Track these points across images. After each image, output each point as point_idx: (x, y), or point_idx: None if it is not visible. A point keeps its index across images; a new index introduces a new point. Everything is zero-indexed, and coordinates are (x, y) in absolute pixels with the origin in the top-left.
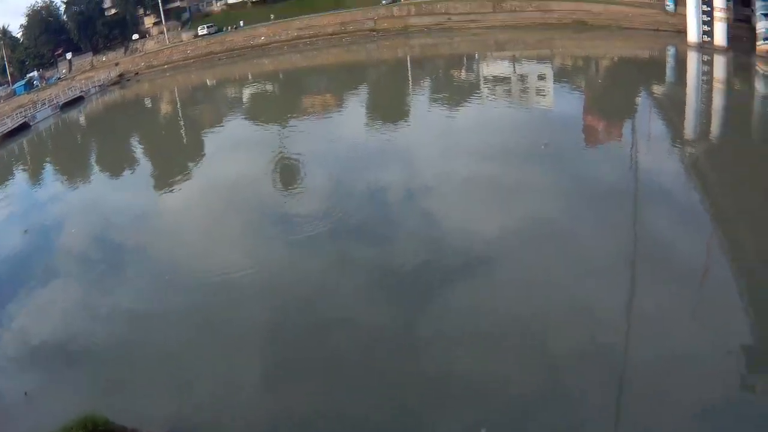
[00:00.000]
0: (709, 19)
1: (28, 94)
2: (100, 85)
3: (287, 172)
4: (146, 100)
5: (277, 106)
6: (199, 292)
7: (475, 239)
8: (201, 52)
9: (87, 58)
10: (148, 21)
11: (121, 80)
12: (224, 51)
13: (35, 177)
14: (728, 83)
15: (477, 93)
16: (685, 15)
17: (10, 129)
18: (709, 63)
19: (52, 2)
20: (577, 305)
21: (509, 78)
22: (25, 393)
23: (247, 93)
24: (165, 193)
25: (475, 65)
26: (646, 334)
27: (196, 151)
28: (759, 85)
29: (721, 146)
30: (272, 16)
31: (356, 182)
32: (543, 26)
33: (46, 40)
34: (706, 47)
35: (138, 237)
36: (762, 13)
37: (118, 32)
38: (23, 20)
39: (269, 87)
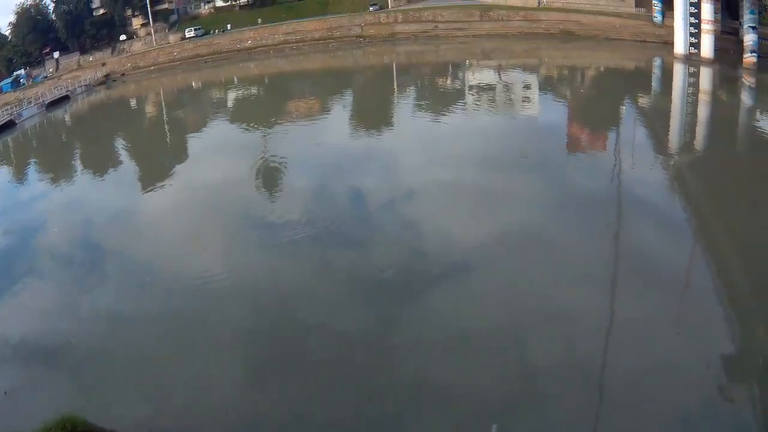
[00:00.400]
0: (696, 31)
1: (14, 92)
2: (86, 85)
3: (270, 175)
4: (131, 101)
5: (262, 110)
6: (180, 294)
7: (455, 246)
8: (187, 54)
9: (74, 58)
10: (136, 22)
11: (107, 80)
12: (211, 54)
13: (18, 175)
14: (714, 95)
15: (462, 101)
16: (672, 27)
17: None
18: (696, 75)
19: (41, 1)
20: (557, 314)
21: (495, 87)
22: (5, 392)
23: (232, 96)
24: (148, 194)
25: (460, 73)
26: (626, 343)
27: (180, 154)
28: (745, 97)
29: (706, 157)
30: (260, 20)
31: (338, 187)
32: (530, 36)
33: (34, 39)
34: (692, 59)
35: (120, 238)
36: (750, 26)
37: (105, 32)
38: (12, 18)
39: (255, 91)
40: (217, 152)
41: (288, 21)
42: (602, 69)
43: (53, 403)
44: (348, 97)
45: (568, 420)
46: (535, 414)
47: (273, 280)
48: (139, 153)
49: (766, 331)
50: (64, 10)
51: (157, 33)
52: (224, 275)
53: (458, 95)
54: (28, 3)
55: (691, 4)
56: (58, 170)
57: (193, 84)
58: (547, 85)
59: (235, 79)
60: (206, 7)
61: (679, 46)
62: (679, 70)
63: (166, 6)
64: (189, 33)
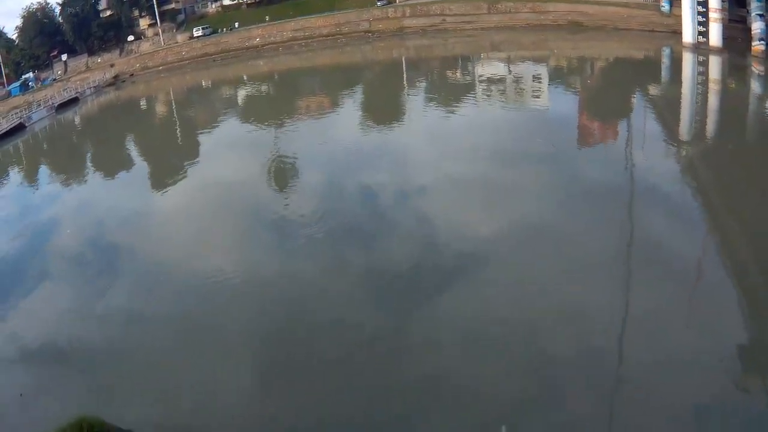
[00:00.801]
0: (704, 20)
1: (23, 95)
2: (95, 86)
3: (282, 173)
4: (141, 101)
5: (272, 107)
6: (193, 294)
7: (469, 240)
8: (196, 53)
9: (82, 60)
10: (143, 23)
11: (116, 81)
12: (219, 52)
13: (30, 178)
14: (723, 84)
15: (472, 94)
16: (680, 16)
17: (5, 130)
18: (704, 63)
19: (47, 4)
20: (571, 306)
21: (504, 79)
22: (21, 394)
23: (242, 94)
24: (159, 194)
25: (470, 66)
26: (640, 335)
27: (191, 153)
28: (754, 86)
29: (716, 146)
30: (267, 18)
31: (351, 184)
32: (538, 27)
33: (42, 42)
34: (701, 48)
35: (132, 238)
36: (757, 14)
37: (113, 34)
38: (18, 22)
39: (264, 88)
40: (228, 150)
41: (296, 18)
42: (611, 59)
43: (69, 404)
44: (358, 93)
45: (580, 415)
46: (547, 409)
47: (285, 279)
48: (150, 153)
49: None
50: (70, 12)
51: (165, 33)
52: (235, 274)
53: (468, 88)
54: (35, 6)
55: None
56: (69, 172)
57: (203, 83)
58: (556, 77)
59: (245, 77)
60: (213, 6)
61: (688, 35)
62: (687, 59)
63: (173, 6)
64: (197, 32)
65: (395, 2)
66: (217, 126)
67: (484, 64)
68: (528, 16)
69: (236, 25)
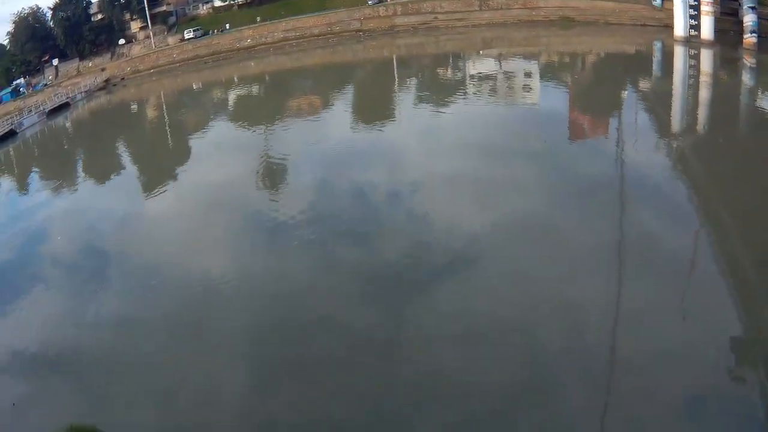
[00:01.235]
0: (696, 13)
1: (14, 101)
2: (86, 91)
3: (273, 174)
4: (132, 104)
5: (264, 108)
6: (185, 296)
7: (461, 236)
8: (187, 55)
9: (73, 64)
10: (135, 26)
11: (107, 85)
12: (210, 54)
13: (21, 184)
14: (715, 76)
15: (463, 91)
16: (672, 10)
17: None
18: (696, 57)
19: (38, 9)
20: (564, 300)
21: (495, 75)
22: (13, 404)
23: (233, 96)
24: (151, 198)
25: (461, 63)
26: (633, 327)
27: (183, 156)
28: (746, 78)
29: (708, 139)
30: (258, 19)
31: (342, 183)
32: (530, 23)
33: (33, 47)
34: (693, 41)
35: (124, 243)
36: (749, 6)
37: (104, 37)
38: (10, 27)
39: (255, 89)
40: (219, 152)
41: (287, 18)
42: (602, 54)
43: (62, 412)
44: (350, 92)
45: (576, 407)
46: (541, 401)
47: (279, 279)
48: (142, 157)
49: None
50: (62, 16)
51: (156, 36)
52: (229, 276)
53: (459, 85)
54: (26, 11)
55: None
56: (60, 178)
57: (194, 85)
58: (547, 73)
59: (236, 78)
60: (204, 8)
61: (679, 29)
62: (679, 53)
63: (164, 8)
64: (188, 34)
65: (386, 0)
66: (209, 128)
67: (475, 61)
68: (519, 13)
69: (227, 26)
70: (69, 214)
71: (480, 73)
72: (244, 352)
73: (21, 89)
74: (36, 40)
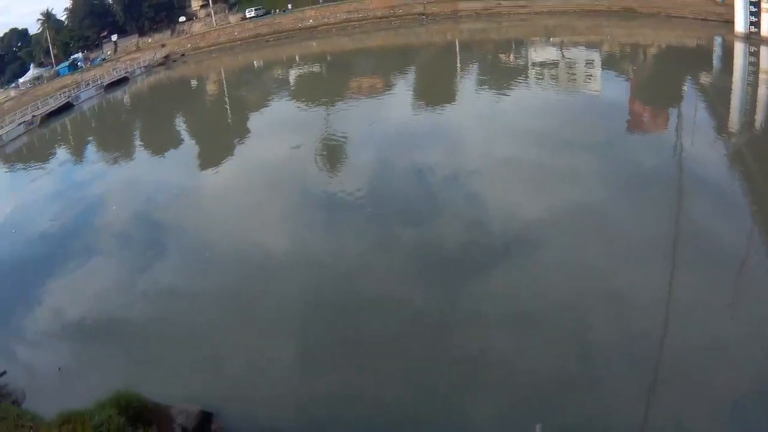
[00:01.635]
0: (756, 9)
1: (72, 75)
2: (145, 66)
3: (333, 152)
4: (192, 80)
5: (325, 87)
6: (238, 270)
7: (516, 221)
8: (248, 34)
9: (132, 40)
10: (195, 3)
11: (167, 61)
12: (272, 33)
13: (77, 155)
14: None
15: (524, 78)
16: (732, 5)
17: (53, 108)
18: (756, 54)
19: None
20: (616, 291)
21: (557, 63)
22: (59, 368)
23: (294, 75)
24: (208, 172)
25: (523, 50)
26: (684, 321)
27: (242, 132)
28: None
29: (765, 137)
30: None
31: (401, 163)
32: (592, 13)
33: (91, 23)
34: (753, 38)
35: (179, 215)
36: None
37: (164, 14)
38: (68, 3)
39: (317, 69)
40: (279, 130)
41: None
42: (663, 47)
43: (109, 379)
44: (412, 74)
45: (622, 397)
46: (589, 390)
47: (334, 256)
48: (200, 132)
49: None
50: None
51: (217, 14)
52: (283, 251)
53: (521, 71)
54: None
55: None
56: (115, 149)
57: (255, 63)
58: (609, 62)
59: (297, 58)
60: None
61: (740, 25)
62: (739, 49)
63: None
64: (249, 13)
65: None
66: (269, 106)
67: (537, 48)
68: (582, 1)
69: (289, 6)
70: (124, 184)
71: (542, 60)
72: (295, 327)
73: (79, 63)
74: (94, 16)
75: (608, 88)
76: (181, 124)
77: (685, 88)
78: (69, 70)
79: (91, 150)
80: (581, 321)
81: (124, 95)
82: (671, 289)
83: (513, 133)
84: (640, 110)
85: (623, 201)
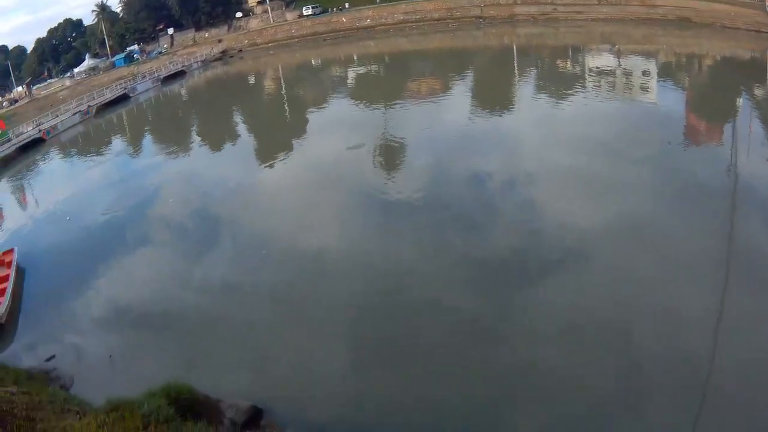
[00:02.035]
0: None
1: (127, 66)
2: (202, 61)
3: (389, 153)
4: (249, 76)
5: (382, 87)
6: (294, 267)
7: (569, 230)
8: (306, 32)
9: (189, 34)
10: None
11: (223, 56)
12: (329, 32)
13: (133, 146)
14: None
15: (581, 85)
16: None
17: (109, 99)
18: None
19: None
20: (666, 305)
21: (614, 71)
22: (110, 356)
23: (352, 74)
24: (264, 169)
25: (580, 57)
26: (734, 339)
27: (299, 130)
28: None
29: None
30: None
31: (456, 167)
32: (647, 21)
33: (147, 16)
34: None
35: (236, 210)
36: None
37: (221, 10)
38: None
39: (375, 69)
40: (336, 129)
41: (407, 0)
42: (718, 58)
43: (159, 369)
44: (468, 78)
45: (668, 413)
46: (635, 405)
47: (386, 259)
48: (257, 128)
49: None
50: None
51: (274, 11)
52: (336, 251)
53: (578, 78)
54: None
55: None
56: (172, 142)
57: (312, 61)
58: (665, 72)
59: (355, 57)
60: None
61: None
62: None
63: None
64: (306, 11)
65: None
66: (326, 104)
67: (593, 55)
68: (637, 10)
69: (347, 5)
70: (181, 177)
71: (598, 67)
72: (345, 327)
73: (135, 56)
74: (150, 9)
75: (664, 99)
76: (238, 120)
77: (740, 100)
78: (125, 62)
79: (147, 142)
80: (630, 334)
81: (180, 88)
82: (722, 306)
83: (569, 141)
84: (696, 122)
85: (676, 213)
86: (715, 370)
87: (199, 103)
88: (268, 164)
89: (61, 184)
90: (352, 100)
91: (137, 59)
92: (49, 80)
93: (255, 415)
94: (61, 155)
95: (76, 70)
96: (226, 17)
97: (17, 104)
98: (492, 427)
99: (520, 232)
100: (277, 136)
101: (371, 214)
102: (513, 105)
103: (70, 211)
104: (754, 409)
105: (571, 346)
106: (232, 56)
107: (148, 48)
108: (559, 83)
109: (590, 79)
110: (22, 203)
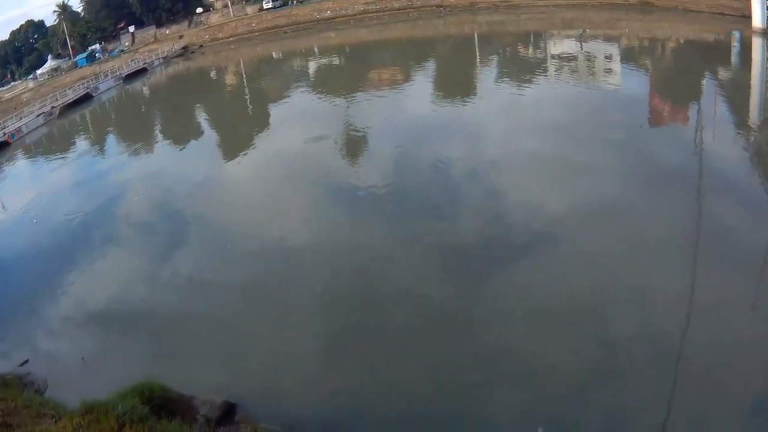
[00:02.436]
0: None
1: (90, 66)
2: (164, 57)
3: (352, 144)
4: (211, 71)
5: (344, 79)
6: (261, 262)
7: (536, 215)
8: (266, 25)
9: (150, 31)
10: None
11: (185, 52)
12: (290, 24)
13: (97, 145)
14: None
15: (543, 71)
16: (750, 0)
17: (72, 99)
18: None
19: None
20: (634, 289)
21: (576, 57)
22: (82, 358)
23: (313, 66)
24: (228, 163)
25: (541, 43)
26: (703, 319)
27: (261, 123)
28: None
29: None
30: None
31: (420, 156)
32: (609, 6)
33: (108, 14)
34: None
35: (200, 206)
36: None
37: (181, 6)
38: None
39: (336, 60)
40: (298, 121)
41: None
42: (682, 41)
43: (131, 369)
44: (430, 66)
45: (642, 395)
46: (608, 387)
47: (352, 248)
48: (220, 123)
49: None
50: None
51: (235, 5)
52: (302, 242)
53: (540, 64)
54: None
55: None
56: (135, 140)
57: (273, 54)
58: (628, 56)
59: (316, 49)
60: None
61: (757, 20)
62: (757, 44)
63: None
64: (267, 4)
65: None
66: (288, 97)
67: (555, 41)
68: None
69: None
70: (146, 176)
71: (561, 53)
72: (315, 319)
73: (97, 55)
74: (111, 8)
75: (628, 83)
76: (200, 115)
77: (704, 83)
78: (87, 62)
79: (110, 141)
80: (601, 316)
81: (143, 86)
82: (692, 287)
83: (533, 126)
84: (661, 105)
85: (643, 196)
86: (688, 349)
87: (162, 100)
88: (231, 159)
89: (27, 186)
90: (314, 92)
91: (99, 58)
92: (12, 83)
93: (228, 410)
94: (26, 158)
95: (38, 71)
96: (187, 13)
97: None
98: (466, 413)
99: (488, 218)
100: (239, 131)
101: (336, 206)
102: (475, 92)
103: (37, 213)
104: (726, 387)
105: (544, 330)
106: (193, 52)
107: (110, 47)
108: (521, 70)
109: (553, 65)
110: None
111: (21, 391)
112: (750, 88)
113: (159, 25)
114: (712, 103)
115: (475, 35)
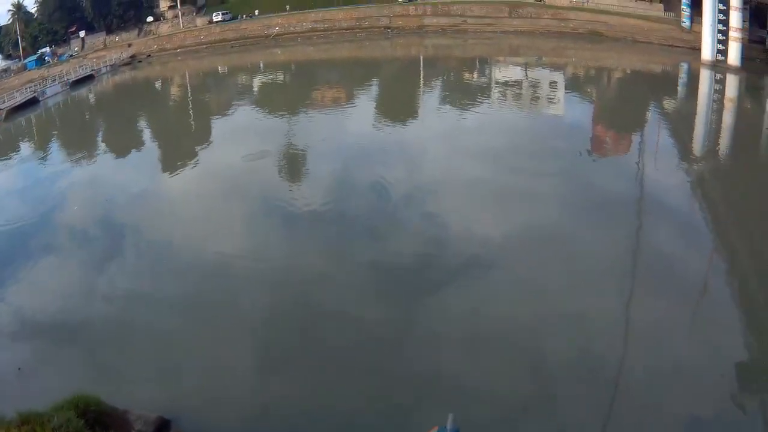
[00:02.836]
0: (724, 38)
1: (38, 69)
2: (111, 65)
3: (292, 162)
4: (157, 82)
5: (288, 96)
6: (198, 276)
7: (474, 241)
8: (214, 38)
9: (100, 38)
10: (164, 4)
11: (132, 61)
12: (238, 39)
13: (40, 152)
14: (739, 103)
15: (487, 96)
16: (700, 32)
17: (18, 103)
18: (722, 82)
19: None
20: (574, 314)
21: (521, 83)
22: (18, 368)
23: (257, 82)
24: (169, 176)
25: (487, 69)
26: (641, 345)
27: (203, 136)
28: None
29: (728, 164)
30: (288, 7)
31: (360, 177)
32: (558, 35)
33: (60, 17)
34: (719, 66)
35: (141, 218)
36: None
37: (132, 13)
38: None
39: (281, 77)
40: (241, 137)
41: (316, 9)
42: (629, 71)
43: (67, 381)
44: (374, 87)
45: (577, 420)
46: (543, 412)
47: (292, 266)
48: (163, 135)
49: None
50: None
51: (185, 16)
52: (241, 258)
53: (484, 90)
54: None
55: (720, 11)
56: (79, 148)
57: (219, 68)
58: (573, 85)
59: (262, 65)
60: None
61: (706, 53)
62: (705, 76)
63: None
64: (216, 17)
65: (417, 0)
66: (231, 112)
67: (501, 67)
68: (549, 23)
69: (256, 12)
70: (86, 184)
71: (506, 79)
72: (251, 336)
73: (46, 58)
74: (64, 11)
75: (571, 110)
76: (144, 126)
77: (649, 113)
78: (36, 64)
79: (54, 147)
80: (538, 342)
81: (89, 93)
82: (629, 312)
83: (474, 152)
84: (603, 133)
85: (583, 223)
86: (623, 375)
87: (107, 109)
88: (173, 172)
89: None
90: (257, 109)
91: (48, 62)
92: None
93: (162, 425)
94: None
95: None
96: (138, 21)
97: None
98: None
99: (425, 241)
100: (182, 143)
101: (274, 224)
102: (417, 116)
103: None
104: (660, 411)
105: (478, 352)
106: (140, 61)
107: (60, 50)
108: (465, 94)
109: (497, 91)
110: None
111: None
112: (695, 118)
113: (109, 31)
114: (656, 133)
115: (421, 58)
